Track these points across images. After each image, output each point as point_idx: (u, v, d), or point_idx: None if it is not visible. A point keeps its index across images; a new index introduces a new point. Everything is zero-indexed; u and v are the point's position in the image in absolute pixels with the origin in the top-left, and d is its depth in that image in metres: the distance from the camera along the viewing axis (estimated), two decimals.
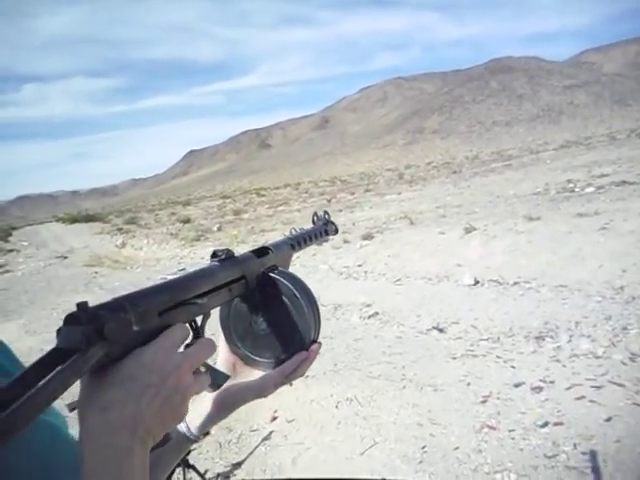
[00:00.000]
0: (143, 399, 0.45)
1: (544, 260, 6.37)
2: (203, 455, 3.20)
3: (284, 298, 0.66)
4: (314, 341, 0.68)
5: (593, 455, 2.60)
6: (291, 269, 0.73)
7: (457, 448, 2.88)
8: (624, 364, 3.58)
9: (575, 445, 2.74)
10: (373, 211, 14.93)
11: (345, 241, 9.56)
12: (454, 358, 4.15)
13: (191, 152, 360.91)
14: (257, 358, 0.69)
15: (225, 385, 0.64)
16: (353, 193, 24.90)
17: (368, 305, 5.93)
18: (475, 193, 15.07)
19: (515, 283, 5.95)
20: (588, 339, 4.08)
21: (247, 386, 0.67)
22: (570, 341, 4.12)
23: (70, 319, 0.43)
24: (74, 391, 0.46)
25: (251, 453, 3.21)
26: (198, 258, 11.60)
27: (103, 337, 0.43)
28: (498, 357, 4.05)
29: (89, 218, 37.59)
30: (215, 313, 0.64)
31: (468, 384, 3.64)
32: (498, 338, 4.43)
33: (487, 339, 4.45)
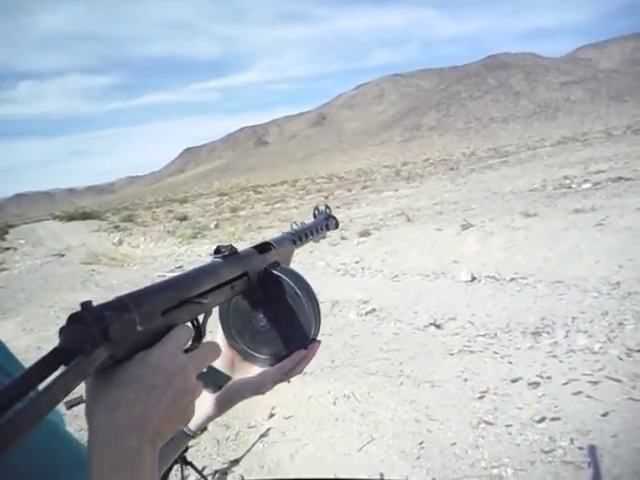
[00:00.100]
0: (150, 400, 0.45)
1: (541, 256, 6.38)
2: (201, 452, 3.21)
3: (286, 295, 0.65)
4: (313, 339, 0.68)
5: (592, 450, 2.61)
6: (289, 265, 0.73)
7: (454, 444, 2.89)
8: (620, 359, 3.60)
9: (572, 440, 2.75)
10: (370, 208, 14.93)
11: (342, 238, 9.56)
12: (451, 354, 4.16)
13: (188, 149, 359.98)
14: (255, 354, 0.69)
15: None
16: (350, 190, 24.90)
17: (365, 302, 5.94)
18: (472, 190, 15.08)
19: (512, 279, 5.97)
20: (585, 335, 4.10)
21: (245, 383, 0.67)
22: (567, 337, 4.13)
23: (74, 318, 0.43)
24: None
25: (249, 450, 3.21)
26: (195, 255, 11.59)
27: (107, 338, 0.43)
28: (495, 353, 4.06)
29: (86, 216, 37.45)
30: (215, 308, 0.64)
31: (465, 380, 3.65)
32: (495, 334, 4.44)
33: (484, 335, 4.46)
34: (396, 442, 3.01)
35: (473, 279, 6.19)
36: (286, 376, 0.66)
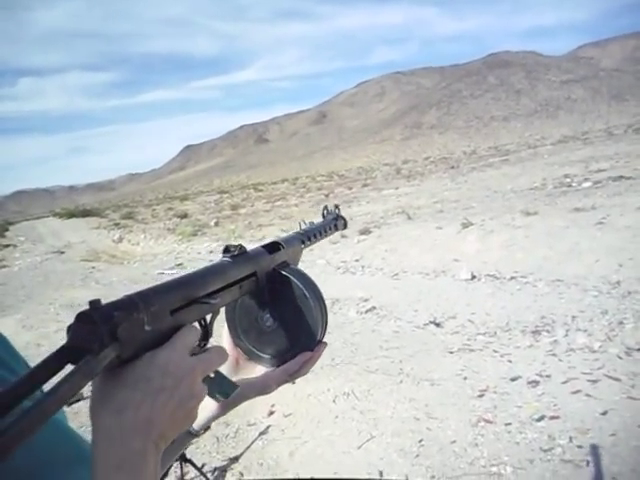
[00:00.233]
0: (157, 402, 0.45)
1: (541, 255, 6.38)
2: (200, 449, 3.21)
3: (293, 296, 0.65)
4: (320, 341, 0.67)
5: (594, 449, 2.61)
6: None
7: (454, 442, 2.90)
8: (620, 358, 3.60)
9: (571, 438, 2.75)
10: (370, 206, 14.92)
11: (342, 236, 9.55)
12: (451, 352, 4.17)
13: (188, 147, 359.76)
14: (260, 353, 0.68)
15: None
16: (351, 188, 24.88)
17: (365, 300, 5.94)
18: (472, 188, 15.07)
19: (512, 278, 5.97)
20: (584, 333, 4.10)
21: (249, 383, 0.67)
22: (566, 335, 4.13)
23: (82, 317, 0.42)
24: None
25: (248, 447, 3.22)
26: (195, 253, 11.59)
27: (116, 338, 0.42)
28: (495, 351, 4.06)
29: (86, 213, 37.45)
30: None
31: (465, 378, 3.65)
32: (495, 332, 4.44)
33: (484, 333, 4.46)
34: (395, 440, 3.01)
35: (473, 277, 6.19)
36: (291, 377, 0.66)
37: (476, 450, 2.79)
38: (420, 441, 2.96)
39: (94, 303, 0.43)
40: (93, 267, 11.35)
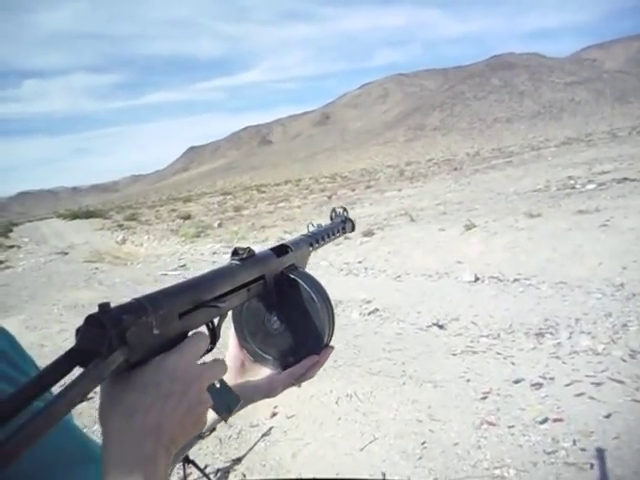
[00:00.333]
0: (167, 407, 0.45)
1: (544, 257, 6.37)
2: (203, 450, 3.21)
3: (301, 299, 0.65)
4: (326, 345, 0.67)
5: (598, 452, 2.60)
6: None
7: (457, 444, 2.89)
8: (624, 361, 3.59)
9: (574, 441, 2.74)
10: (373, 208, 14.91)
11: (345, 237, 9.55)
12: (454, 354, 4.16)
13: (192, 148, 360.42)
14: (266, 356, 0.68)
15: (234, 384, 0.64)
16: (354, 189, 24.89)
17: (368, 301, 5.94)
18: (476, 190, 15.05)
19: (515, 280, 5.95)
20: (588, 336, 4.08)
21: (255, 386, 0.67)
22: (570, 338, 4.12)
23: (91, 320, 0.42)
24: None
25: (251, 449, 3.21)
26: (198, 254, 11.60)
27: (124, 342, 0.42)
28: (498, 353, 4.05)
29: (89, 214, 37.56)
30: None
31: (468, 380, 3.64)
32: (498, 335, 4.43)
33: (487, 335, 4.45)
34: (398, 442, 3.00)
35: (476, 279, 6.18)
36: (297, 381, 0.66)
37: (479, 453, 2.78)
38: (423, 443, 2.95)
39: (103, 306, 0.43)
40: (96, 268, 11.37)
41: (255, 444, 3.25)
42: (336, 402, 3.58)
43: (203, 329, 0.54)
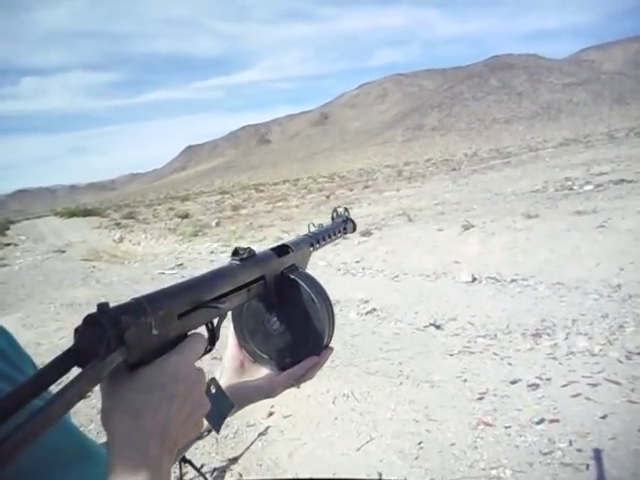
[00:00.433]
0: (172, 408, 0.46)
1: (542, 258, 6.38)
2: (200, 450, 3.20)
3: (301, 300, 0.65)
4: (326, 346, 0.67)
5: (594, 453, 2.61)
6: None
7: (453, 444, 2.89)
8: (620, 362, 3.59)
9: (571, 442, 2.75)
10: (372, 208, 14.91)
11: (343, 237, 9.54)
12: (451, 355, 4.16)
13: (190, 147, 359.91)
14: (265, 356, 0.68)
15: (233, 384, 0.64)
16: (352, 189, 24.89)
17: (366, 301, 5.94)
18: (474, 190, 15.07)
19: (513, 280, 5.96)
20: (585, 337, 4.09)
21: (255, 386, 0.67)
22: (567, 339, 4.13)
23: (90, 320, 0.42)
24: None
25: (247, 448, 3.21)
26: (196, 253, 11.59)
27: (123, 342, 0.42)
28: (495, 354, 4.05)
29: (87, 212, 37.48)
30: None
31: (465, 381, 3.64)
32: (495, 335, 4.44)
33: (484, 336, 4.46)
34: (395, 442, 3.01)
35: (474, 280, 6.19)
36: (296, 382, 0.66)
37: (475, 453, 2.79)
38: (419, 443, 2.95)
39: (102, 306, 0.43)
40: (94, 266, 11.35)
41: (252, 444, 3.25)
42: (333, 402, 3.58)
43: (203, 329, 0.54)
